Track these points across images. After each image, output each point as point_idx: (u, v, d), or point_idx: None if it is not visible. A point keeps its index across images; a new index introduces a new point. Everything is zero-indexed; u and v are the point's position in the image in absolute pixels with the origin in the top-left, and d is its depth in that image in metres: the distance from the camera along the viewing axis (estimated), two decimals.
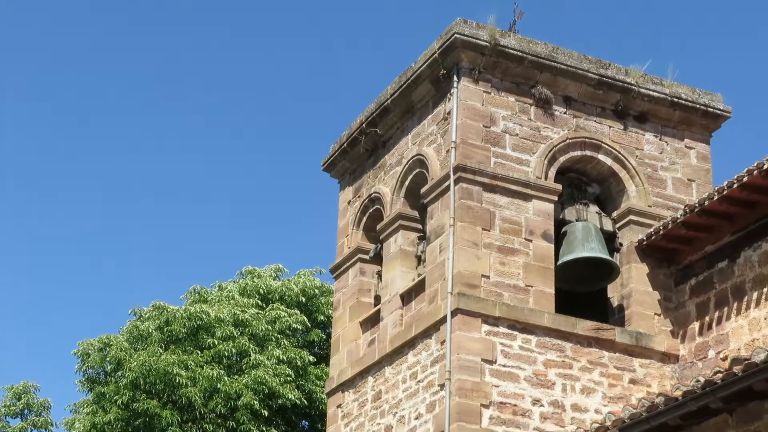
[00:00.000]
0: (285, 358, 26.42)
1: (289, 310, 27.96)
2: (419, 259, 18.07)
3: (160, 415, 25.24)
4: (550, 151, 17.51)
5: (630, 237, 17.54)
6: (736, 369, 11.03)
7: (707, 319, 16.58)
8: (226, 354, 26.40)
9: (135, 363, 25.61)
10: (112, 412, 25.88)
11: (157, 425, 25.47)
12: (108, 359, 27.29)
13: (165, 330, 27.00)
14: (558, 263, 17.27)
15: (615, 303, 17.65)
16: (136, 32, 51.64)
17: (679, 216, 16.66)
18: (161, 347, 26.59)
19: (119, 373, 26.70)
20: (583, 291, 17.99)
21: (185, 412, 25.70)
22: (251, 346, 26.49)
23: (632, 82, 18.08)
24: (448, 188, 16.99)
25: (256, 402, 25.24)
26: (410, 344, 17.18)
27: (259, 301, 28.49)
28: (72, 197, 52.70)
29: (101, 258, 52.11)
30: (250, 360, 26.21)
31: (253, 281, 29.13)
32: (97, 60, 51.81)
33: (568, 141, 17.73)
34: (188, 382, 25.39)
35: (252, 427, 25.30)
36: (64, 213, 52.42)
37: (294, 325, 27.48)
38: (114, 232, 52.08)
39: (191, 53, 52.65)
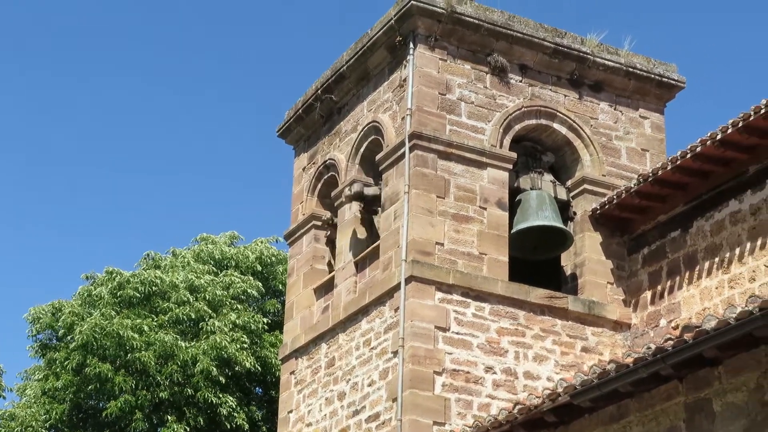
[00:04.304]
0: (240, 322, 26.28)
1: (243, 276, 27.84)
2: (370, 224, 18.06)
3: (112, 380, 24.92)
4: (505, 120, 17.52)
5: (584, 206, 17.60)
6: (687, 336, 11.07)
7: (659, 288, 16.68)
8: (184, 318, 26.16)
9: (86, 326, 25.31)
10: (62, 378, 25.62)
11: (110, 391, 25.14)
12: (60, 323, 27.05)
13: (118, 294, 26.78)
14: (512, 231, 17.31)
15: (568, 272, 17.72)
16: None
17: (632, 185, 16.72)
18: (114, 311, 26.34)
19: (70, 337, 26.43)
20: (536, 259, 18.05)
21: (139, 378, 25.42)
22: (207, 311, 26.30)
23: (588, 51, 18.10)
24: (403, 155, 16.97)
25: (213, 368, 25.03)
26: (364, 311, 17.19)
27: (213, 268, 28.35)
28: (30, 161, 52.30)
29: (56, 225, 51.83)
30: (206, 325, 26.02)
31: (208, 247, 28.98)
32: (58, 19, 51.30)
33: (523, 109, 17.74)
34: (142, 345, 25.12)
35: (209, 394, 25.08)
36: (21, 177, 52.01)
37: (249, 291, 27.36)
38: (69, 198, 51.77)
39: (148, 17, 52.24)
